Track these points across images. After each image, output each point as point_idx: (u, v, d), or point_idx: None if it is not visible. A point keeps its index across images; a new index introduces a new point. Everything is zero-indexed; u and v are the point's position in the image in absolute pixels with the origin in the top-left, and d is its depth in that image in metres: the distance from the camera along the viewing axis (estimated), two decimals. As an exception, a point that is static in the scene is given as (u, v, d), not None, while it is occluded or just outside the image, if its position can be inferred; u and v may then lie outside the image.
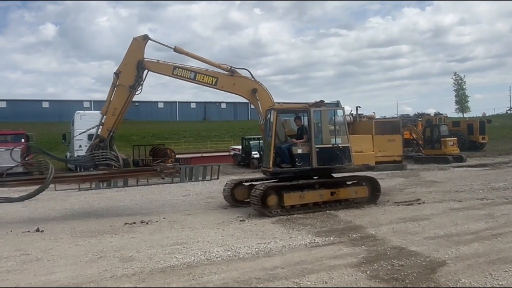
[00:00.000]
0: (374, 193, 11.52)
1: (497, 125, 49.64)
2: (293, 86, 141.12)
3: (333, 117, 11.11)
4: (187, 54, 12.05)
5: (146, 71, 11.74)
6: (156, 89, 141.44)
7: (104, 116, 11.71)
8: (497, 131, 44.31)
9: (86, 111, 27.67)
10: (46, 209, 12.55)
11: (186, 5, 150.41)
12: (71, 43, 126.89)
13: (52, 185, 16.68)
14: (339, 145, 10.83)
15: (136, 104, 62.19)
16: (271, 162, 10.66)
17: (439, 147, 25.79)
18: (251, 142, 26.89)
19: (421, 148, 27.95)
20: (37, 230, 9.33)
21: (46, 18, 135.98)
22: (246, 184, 12.07)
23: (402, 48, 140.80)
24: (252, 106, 12.82)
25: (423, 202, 11.55)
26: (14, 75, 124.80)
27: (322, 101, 11.30)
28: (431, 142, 26.67)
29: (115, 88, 11.72)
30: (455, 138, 26.84)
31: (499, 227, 8.43)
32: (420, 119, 34.44)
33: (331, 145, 10.82)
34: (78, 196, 15.41)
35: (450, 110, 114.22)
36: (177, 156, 25.95)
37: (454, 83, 73.45)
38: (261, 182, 11.44)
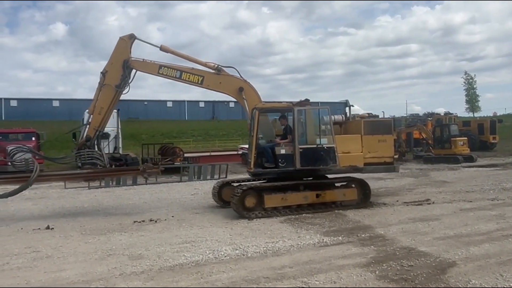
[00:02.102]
0: (364, 196, 11.07)
1: (508, 124, 49.04)
2: (301, 85, 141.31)
3: (318, 117, 10.70)
4: (172, 52, 11.88)
5: (133, 70, 11.69)
6: (164, 88, 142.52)
7: (91, 116, 11.75)
8: (508, 131, 43.74)
9: None
10: (56, 207, 12.65)
11: (195, 4, 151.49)
12: (80, 42, 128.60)
13: (61, 183, 16.98)
14: (324, 146, 10.40)
15: (145, 103, 62.78)
16: (252, 163, 10.43)
17: (449, 146, 25.52)
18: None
19: (431, 147, 27.70)
20: (48, 227, 9.41)
21: (56, 17, 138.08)
22: (235, 184, 11.71)
23: (412, 47, 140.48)
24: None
25: (433, 202, 11.46)
26: (25, 74, 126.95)
27: (307, 100, 10.98)
28: (441, 141, 26.40)
29: (102, 88, 11.72)
30: (466, 138, 26.52)
31: (510, 228, 8.35)
32: (430, 118, 34.15)
33: (315, 146, 10.36)
34: (88, 194, 15.52)
35: (460, 110, 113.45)
36: (186, 155, 25.95)
37: (464, 82, 72.99)
38: (247, 182, 11.10)
